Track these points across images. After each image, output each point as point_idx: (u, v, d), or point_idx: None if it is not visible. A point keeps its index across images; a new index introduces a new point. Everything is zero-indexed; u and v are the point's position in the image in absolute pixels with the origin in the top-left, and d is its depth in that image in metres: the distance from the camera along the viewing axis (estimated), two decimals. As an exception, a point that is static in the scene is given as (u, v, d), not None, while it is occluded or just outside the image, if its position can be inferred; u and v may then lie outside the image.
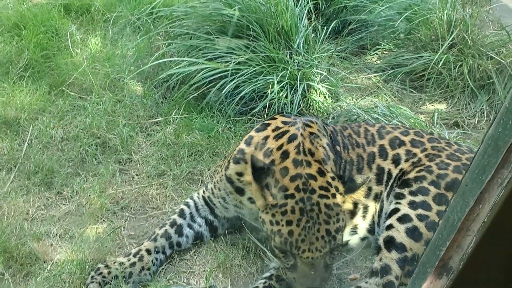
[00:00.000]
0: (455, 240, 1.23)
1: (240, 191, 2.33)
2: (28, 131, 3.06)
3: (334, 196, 2.04)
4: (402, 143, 2.53)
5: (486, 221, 1.11)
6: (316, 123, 2.40)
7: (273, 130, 2.30)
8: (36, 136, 3.04)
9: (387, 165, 2.50)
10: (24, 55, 3.54)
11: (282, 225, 2.00)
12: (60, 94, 3.38)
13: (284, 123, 2.33)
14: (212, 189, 2.48)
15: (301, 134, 2.21)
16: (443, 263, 1.27)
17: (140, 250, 2.32)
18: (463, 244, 1.20)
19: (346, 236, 2.51)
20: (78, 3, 4.30)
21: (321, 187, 2.03)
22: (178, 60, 3.44)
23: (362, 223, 2.51)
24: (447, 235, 1.27)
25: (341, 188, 2.09)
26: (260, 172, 2.06)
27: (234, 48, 3.40)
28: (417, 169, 2.42)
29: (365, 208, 2.51)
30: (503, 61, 3.53)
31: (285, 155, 2.14)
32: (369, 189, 2.50)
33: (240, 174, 2.30)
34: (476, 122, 3.38)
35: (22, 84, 3.36)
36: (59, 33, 3.87)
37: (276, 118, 2.40)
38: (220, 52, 3.41)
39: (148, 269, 2.27)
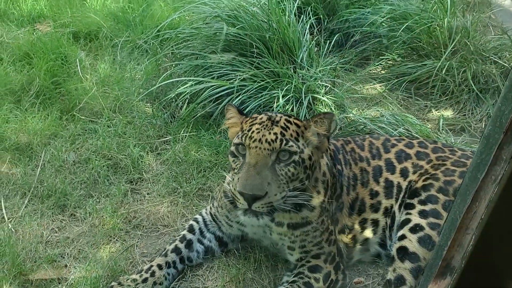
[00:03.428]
0: (455, 239, 1.24)
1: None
2: (40, 156, 3.13)
3: (295, 120, 2.22)
4: (408, 156, 2.55)
5: (484, 218, 1.13)
6: None
7: None
8: (48, 161, 3.11)
9: (396, 178, 2.52)
10: (35, 82, 3.65)
11: (246, 128, 2.16)
12: (71, 119, 3.46)
13: None
14: (217, 207, 2.52)
15: None
16: (446, 263, 1.29)
17: (152, 266, 2.35)
18: (464, 242, 1.22)
19: (357, 254, 2.52)
20: (86, 30, 4.42)
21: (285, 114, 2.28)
22: (185, 79, 3.51)
23: (372, 237, 2.51)
24: (449, 235, 1.28)
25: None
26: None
27: (238, 65, 3.47)
28: (424, 177, 2.44)
29: (375, 222, 2.51)
30: (507, 65, 3.54)
31: None
32: (379, 203, 2.51)
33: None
34: (483, 127, 3.37)
35: (34, 111, 3.45)
36: (68, 60, 3.98)
37: None
38: (225, 70, 3.48)
39: (160, 283, 2.30)
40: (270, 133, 2.10)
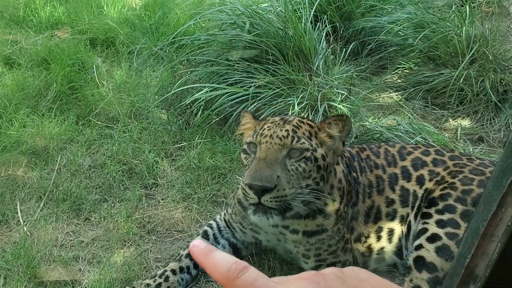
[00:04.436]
0: (479, 247, 1.21)
1: None
2: (56, 160, 3.15)
3: (308, 121, 2.21)
4: (424, 164, 2.51)
5: (510, 225, 1.10)
6: None
7: None
8: (64, 165, 3.12)
9: (412, 186, 2.47)
10: (53, 87, 3.69)
11: (259, 128, 2.15)
12: (87, 124, 3.49)
13: None
14: (231, 213, 2.50)
15: None
16: (469, 271, 1.25)
17: (166, 271, 2.34)
18: (488, 250, 1.19)
19: (373, 263, 2.48)
20: (103, 37, 4.47)
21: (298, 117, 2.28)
22: (200, 86, 3.52)
23: (388, 246, 2.47)
24: (471, 242, 1.25)
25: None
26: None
27: (254, 72, 3.47)
28: (441, 186, 2.39)
29: (391, 231, 2.47)
30: (526, 74, 3.50)
31: None
32: (395, 211, 2.47)
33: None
34: (502, 136, 3.32)
35: (51, 116, 3.48)
36: (85, 66, 4.02)
37: None
38: (240, 77, 3.48)
39: (174, 289, 2.29)
40: (281, 130, 2.08)
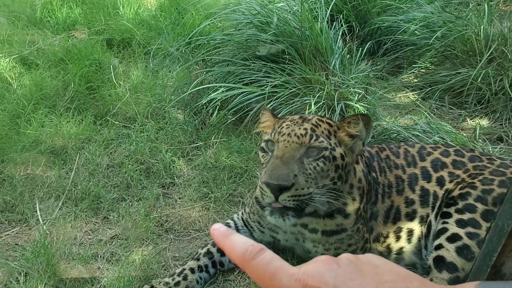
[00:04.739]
0: (506, 245, 1.20)
1: None
2: (75, 160, 3.17)
3: (328, 120, 2.19)
4: (444, 165, 2.48)
5: (538, 223, 1.09)
6: None
7: None
8: (82, 164, 3.15)
9: (432, 187, 2.45)
10: (70, 88, 3.72)
11: (277, 126, 2.15)
12: (105, 124, 3.52)
13: None
14: (248, 213, 2.50)
15: None
16: (496, 269, 1.24)
17: (184, 269, 2.34)
18: (515, 248, 1.17)
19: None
20: (120, 38, 4.50)
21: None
22: (216, 86, 3.53)
23: (407, 246, 2.45)
24: (497, 241, 1.24)
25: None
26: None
27: (270, 72, 3.47)
28: (460, 186, 2.37)
29: (410, 231, 2.45)
30: (546, 73, 3.45)
31: None
32: (414, 211, 2.44)
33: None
34: (522, 136, 3.28)
35: (69, 115, 3.51)
36: (102, 66, 4.05)
37: None
38: (256, 77, 3.49)
39: (193, 287, 2.29)
40: (300, 128, 2.07)
